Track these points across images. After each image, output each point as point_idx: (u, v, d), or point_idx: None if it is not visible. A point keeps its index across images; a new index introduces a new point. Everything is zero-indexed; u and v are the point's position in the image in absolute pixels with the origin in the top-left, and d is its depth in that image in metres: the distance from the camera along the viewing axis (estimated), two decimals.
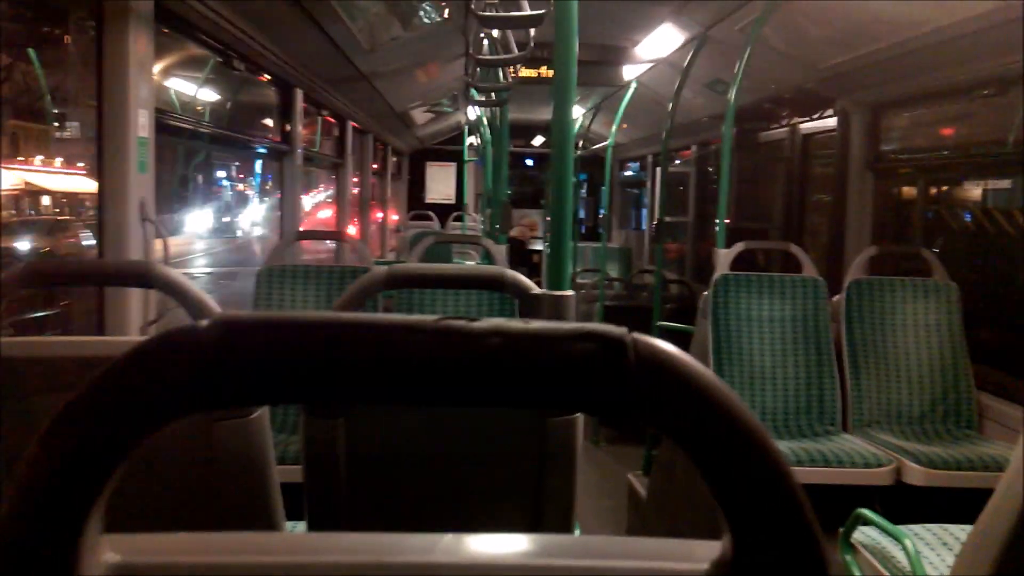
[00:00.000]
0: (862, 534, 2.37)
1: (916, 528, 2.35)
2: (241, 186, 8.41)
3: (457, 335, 0.39)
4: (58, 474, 0.39)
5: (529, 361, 0.38)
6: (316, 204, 9.91)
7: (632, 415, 0.39)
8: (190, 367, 0.39)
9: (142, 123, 2.53)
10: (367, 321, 0.39)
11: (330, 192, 6.86)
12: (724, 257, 3.73)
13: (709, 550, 0.46)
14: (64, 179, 5.19)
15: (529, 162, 12.58)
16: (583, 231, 11.44)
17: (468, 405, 0.39)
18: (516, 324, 0.39)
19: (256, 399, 0.40)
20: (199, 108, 4.05)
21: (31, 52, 2.93)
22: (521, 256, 10.56)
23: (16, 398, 1.19)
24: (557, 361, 0.38)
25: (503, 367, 0.38)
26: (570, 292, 1.56)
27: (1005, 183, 3.73)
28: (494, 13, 2.03)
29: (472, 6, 2.00)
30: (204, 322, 0.40)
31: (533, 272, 10.41)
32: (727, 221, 3.93)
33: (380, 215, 9.48)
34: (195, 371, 0.39)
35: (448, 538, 0.52)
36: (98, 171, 2.51)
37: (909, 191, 4.61)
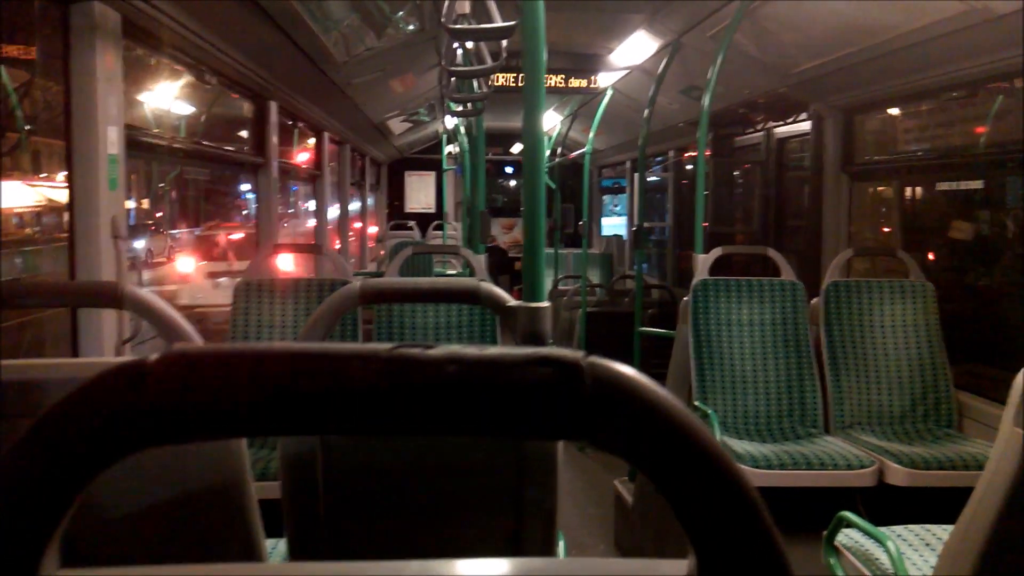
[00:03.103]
0: (845, 536, 2.38)
1: (899, 529, 2.36)
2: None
3: (412, 363, 0.38)
4: (11, 511, 0.38)
5: (484, 388, 0.38)
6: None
7: (589, 439, 0.38)
8: (137, 403, 0.38)
9: (112, 140, 2.50)
10: (319, 351, 0.39)
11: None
12: (703, 262, 3.74)
13: (675, 568, 0.46)
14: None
15: (508, 169, 12.59)
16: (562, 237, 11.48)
17: (425, 434, 0.39)
18: (471, 351, 0.38)
19: (208, 433, 0.39)
20: (175, 123, 4.02)
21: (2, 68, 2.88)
22: (503, 264, 10.57)
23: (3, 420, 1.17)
24: (513, 387, 0.38)
25: (458, 394, 0.38)
26: (545, 304, 1.56)
27: (977, 183, 3.78)
28: (465, 26, 2.03)
29: (443, 19, 2.00)
30: (152, 356, 0.39)
31: (515, 280, 10.42)
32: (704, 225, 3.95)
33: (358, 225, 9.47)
34: (144, 406, 0.38)
35: (415, 564, 0.51)
36: (68, 189, 2.47)
37: (886, 192, 4.66)
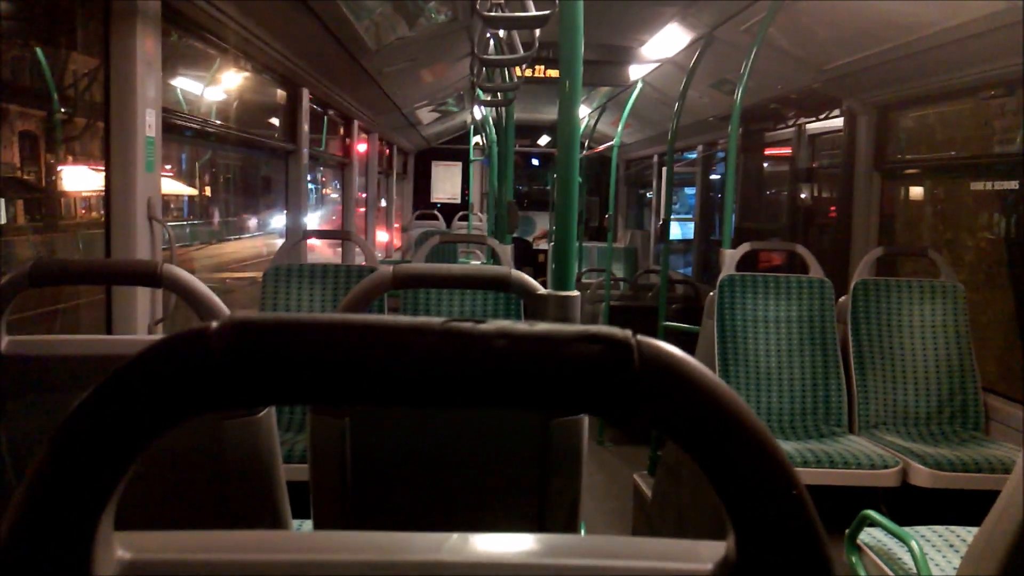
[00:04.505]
0: (868, 535, 2.37)
1: (922, 529, 2.35)
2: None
3: (464, 337, 0.39)
4: (70, 474, 0.40)
5: (535, 363, 0.39)
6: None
7: (637, 417, 0.39)
8: (200, 368, 0.39)
9: (150, 123, 2.54)
10: (375, 323, 0.40)
11: None
12: (730, 258, 3.72)
13: (714, 550, 0.46)
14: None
15: (535, 162, 12.57)
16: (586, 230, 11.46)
17: (475, 406, 0.39)
18: (522, 326, 0.39)
19: (265, 400, 0.40)
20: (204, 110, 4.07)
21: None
22: (526, 255, 10.57)
23: (37, 394, 1.20)
24: (562, 363, 0.38)
25: (509, 369, 0.39)
26: (575, 293, 1.56)
27: (1012, 184, 3.72)
28: (499, 14, 2.03)
29: (477, 7, 2.00)
30: (214, 324, 0.40)
31: (538, 272, 10.42)
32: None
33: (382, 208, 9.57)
34: (205, 372, 0.39)
35: (455, 537, 0.52)
36: (105, 170, 2.52)
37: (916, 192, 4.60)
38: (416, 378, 0.39)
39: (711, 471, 0.40)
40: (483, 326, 0.39)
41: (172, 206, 6.43)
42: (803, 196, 5.49)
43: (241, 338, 0.39)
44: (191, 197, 6.25)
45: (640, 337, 0.39)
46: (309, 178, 8.06)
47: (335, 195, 8.50)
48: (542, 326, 0.40)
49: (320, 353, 0.39)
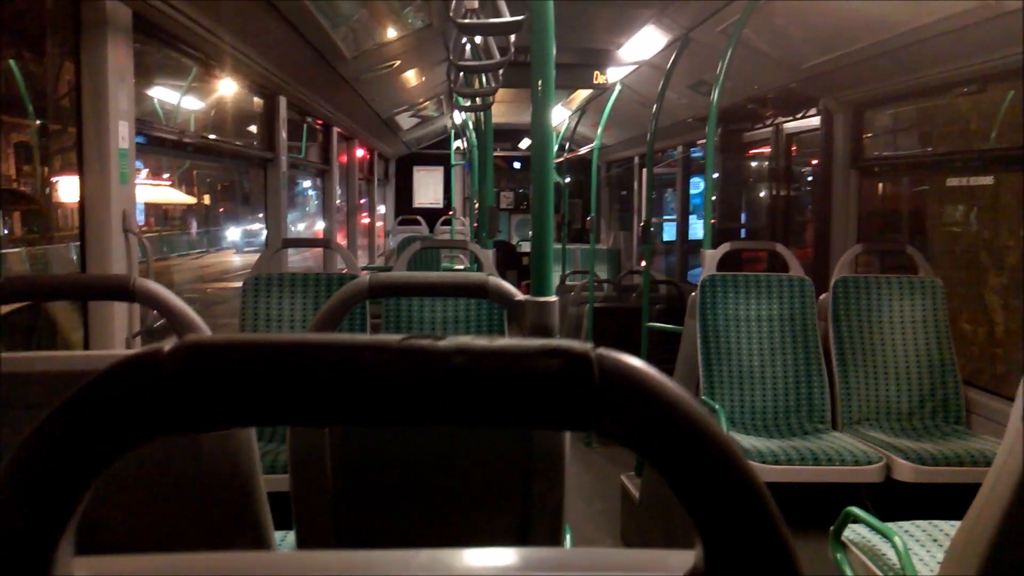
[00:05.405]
0: (852, 532, 2.38)
1: (906, 525, 2.36)
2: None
3: (421, 354, 0.38)
4: (26, 498, 0.39)
5: (493, 379, 0.38)
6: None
7: (598, 430, 0.39)
8: (153, 391, 0.38)
9: (123, 134, 2.51)
10: (331, 341, 0.39)
11: None
12: (710, 258, 3.74)
13: (683, 559, 0.46)
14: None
15: (516, 165, 12.59)
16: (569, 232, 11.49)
17: (434, 424, 0.39)
18: (480, 342, 0.39)
19: (220, 423, 0.39)
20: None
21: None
22: (510, 259, 10.58)
23: (15, 412, 1.18)
24: (522, 378, 0.38)
25: (467, 385, 0.38)
26: (553, 298, 1.56)
27: (987, 179, 3.75)
28: (473, 20, 2.03)
29: (451, 13, 2.00)
30: (167, 345, 0.39)
31: (523, 275, 10.43)
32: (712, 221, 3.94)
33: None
34: (157, 396, 0.38)
35: (424, 554, 0.52)
36: (79, 183, 2.49)
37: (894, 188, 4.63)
38: (373, 397, 0.38)
39: (674, 482, 0.39)
40: (441, 343, 0.39)
41: (169, 215, 6.40)
42: (782, 195, 5.52)
43: (194, 360, 0.38)
44: (189, 206, 6.23)
45: (601, 350, 0.39)
46: (308, 184, 8.08)
47: (337, 201, 8.49)
48: (501, 341, 0.39)
49: (274, 374, 0.38)
